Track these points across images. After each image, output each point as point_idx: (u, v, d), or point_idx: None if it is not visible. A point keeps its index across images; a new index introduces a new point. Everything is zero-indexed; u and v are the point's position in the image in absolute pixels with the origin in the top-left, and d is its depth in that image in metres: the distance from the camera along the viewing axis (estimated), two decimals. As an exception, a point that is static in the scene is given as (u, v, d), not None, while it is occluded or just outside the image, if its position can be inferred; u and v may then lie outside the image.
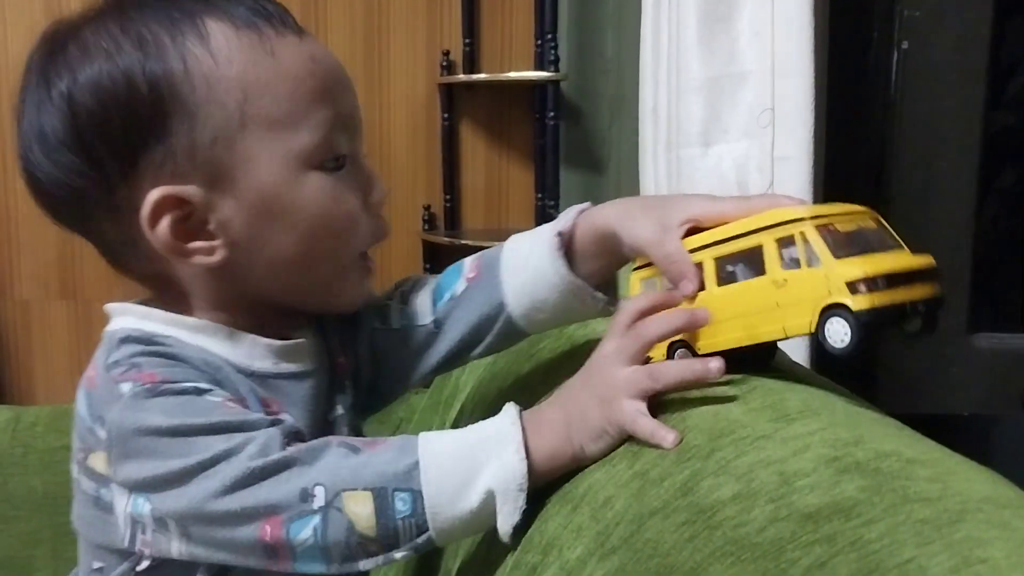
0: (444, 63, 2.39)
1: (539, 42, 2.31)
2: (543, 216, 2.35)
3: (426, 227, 2.42)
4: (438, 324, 0.79)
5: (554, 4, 2.23)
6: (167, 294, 0.71)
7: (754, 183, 1.15)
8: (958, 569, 0.38)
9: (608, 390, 0.61)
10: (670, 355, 0.66)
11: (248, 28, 0.66)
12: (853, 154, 1.30)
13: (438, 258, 2.43)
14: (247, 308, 0.72)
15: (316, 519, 0.59)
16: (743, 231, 0.62)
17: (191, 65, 0.64)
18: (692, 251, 0.65)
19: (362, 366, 0.81)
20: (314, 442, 0.62)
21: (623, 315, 0.65)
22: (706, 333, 0.64)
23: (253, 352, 0.71)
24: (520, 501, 0.60)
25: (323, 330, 0.78)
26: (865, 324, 0.55)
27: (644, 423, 0.60)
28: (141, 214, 0.65)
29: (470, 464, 0.61)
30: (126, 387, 0.62)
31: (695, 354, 0.65)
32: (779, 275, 0.59)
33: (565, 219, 0.74)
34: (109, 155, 0.65)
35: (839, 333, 0.56)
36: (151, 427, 0.61)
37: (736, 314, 0.62)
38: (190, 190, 0.65)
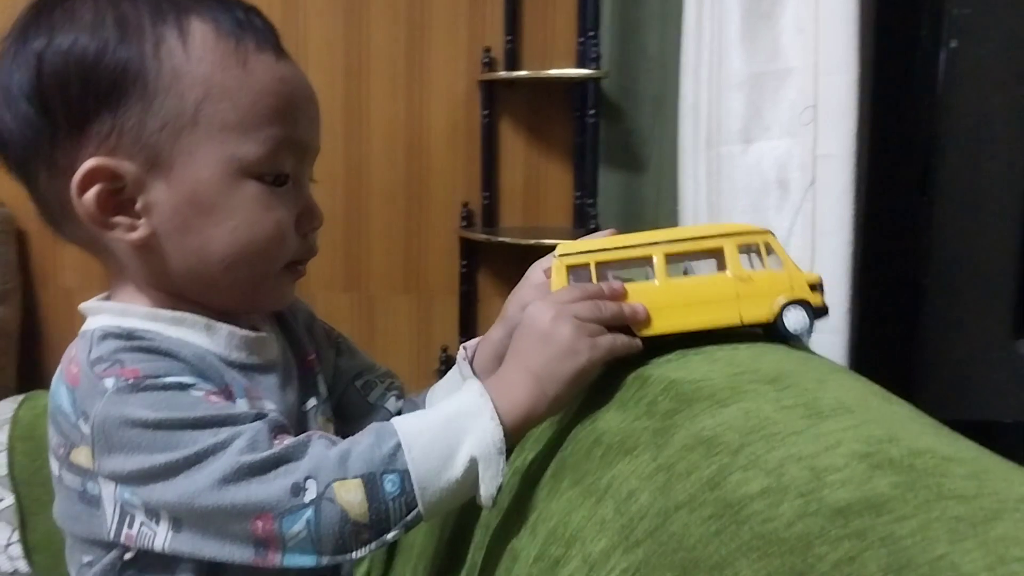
0: (485, 60, 2.39)
1: (581, 39, 2.30)
2: (581, 215, 2.34)
3: (464, 224, 2.42)
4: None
5: (596, 1, 2.22)
6: (109, 265, 0.73)
7: (795, 181, 1.13)
8: (992, 567, 0.36)
9: (569, 342, 0.68)
10: None
11: (228, 36, 0.69)
12: (898, 153, 1.28)
13: (475, 255, 2.43)
14: (186, 297, 0.73)
15: (309, 511, 0.60)
16: (700, 235, 0.75)
17: (163, 54, 0.67)
18: (636, 245, 0.75)
19: (326, 372, 0.87)
20: (299, 437, 0.63)
21: (565, 292, 0.73)
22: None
23: (231, 343, 0.72)
24: (501, 464, 0.64)
25: (285, 327, 0.83)
26: (817, 315, 0.73)
27: (616, 342, 0.71)
28: (73, 178, 0.67)
29: (450, 437, 0.64)
30: (109, 382, 0.63)
31: (632, 334, 0.73)
32: (742, 273, 0.73)
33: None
34: (62, 114, 0.67)
35: (799, 320, 0.72)
36: (136, 419, 0.61)
37: (687, 303, 0.73)
38: (126, 166, 0.67)
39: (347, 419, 0.87)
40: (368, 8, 2.39)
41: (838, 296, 1.11)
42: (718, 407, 0.60)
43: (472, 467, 0.64)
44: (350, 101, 2.41)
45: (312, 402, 0.80)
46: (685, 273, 0.80)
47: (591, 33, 2.21)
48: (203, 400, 0.64)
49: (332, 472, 0.61)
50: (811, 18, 1.10)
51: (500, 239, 2.25)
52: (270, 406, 0.71)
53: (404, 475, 0.62)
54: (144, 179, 0.68)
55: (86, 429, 0.64)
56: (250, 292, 0.74)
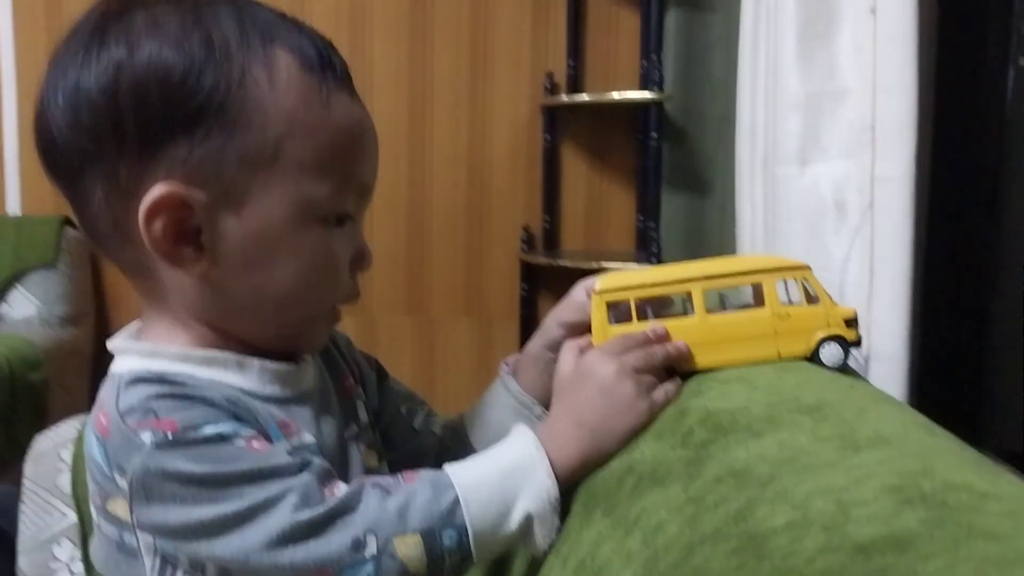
0: (547, 85, 2.39)
1: (644, 63, 2.29)
2: (643, 238, 2.32)
3: (524, 248, 2.41)
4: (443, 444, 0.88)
5: (660, 24, 2.20)
6: (149, 292, 0.70)
7: (853, 204, 1.10)
8: (1018, 614, 0.34)
9: (630, 399, 0.70)
10: None
11: (311, 70, 0.66)
12: (962, 175, 1.23)
13: (536, 279, 2.43)
14: (229, 332, 0.71)
15: (369, 567, 0.60)
16: (738, 270, 0.76)
17: (248, 83, 0.64)
18: (674, 281, 0.76)
19: (370, 399, 0.86)
20: (351, 487, 0.63)
21: (619, 343, 0.73)
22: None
23: (263, 378, 0.70)
24: (556, 520, 0.65)
25: (324, 353, 0.81)
26: (852, 350, 0.74)
27: (669, 393, 0.72)
28: (142, 201, 0.63)
29: (506, 493, 0.64)
30: (146, 436, 0.61)
31: (672, 370, 0.74)
32: (780, 309, 0.74)
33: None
34: (135, 131, 0.63)
35: (834, 355, 0.73)
36: (180, 474, 0.60)
37: (726, 339, 0.74)
38: (197, 195, 0.64)
39: (393, 446, 0.86)
40: (432, 35, 2.42)
41: (897, 323, 1.08)
42: (753, 438, 0.59)
43: (527, 523, 0.65)
44: (413, 126, 2.43)
45: (353, 429, 0.79)
46: (723, 300, 0.79)
47: (654, 56, 2.19)
48: (246, 450, 0.62)
49: (392, 527, 0.61)
50: (868, 36, 1.07)
51: (561, 263, 2.24)
52: (308, 438, 0.69)
53: (462, 531, 0.62)
54: (214, 211, 0.64)
55: (123, 483, 0.62)
56: (294, 333, 0.73)
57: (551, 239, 2.43)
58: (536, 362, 0.84)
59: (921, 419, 0.63)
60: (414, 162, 2.43)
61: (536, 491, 0.65)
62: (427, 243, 2.47)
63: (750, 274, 0.76)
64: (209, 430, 0.62)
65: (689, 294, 0.75)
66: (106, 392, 0.67)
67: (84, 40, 0.65)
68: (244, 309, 0.69)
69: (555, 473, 0.66)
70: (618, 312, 0.77)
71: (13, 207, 2.49)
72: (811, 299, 0.75)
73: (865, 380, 0.76)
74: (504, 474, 0.65)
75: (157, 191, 0.63)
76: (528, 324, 2.43)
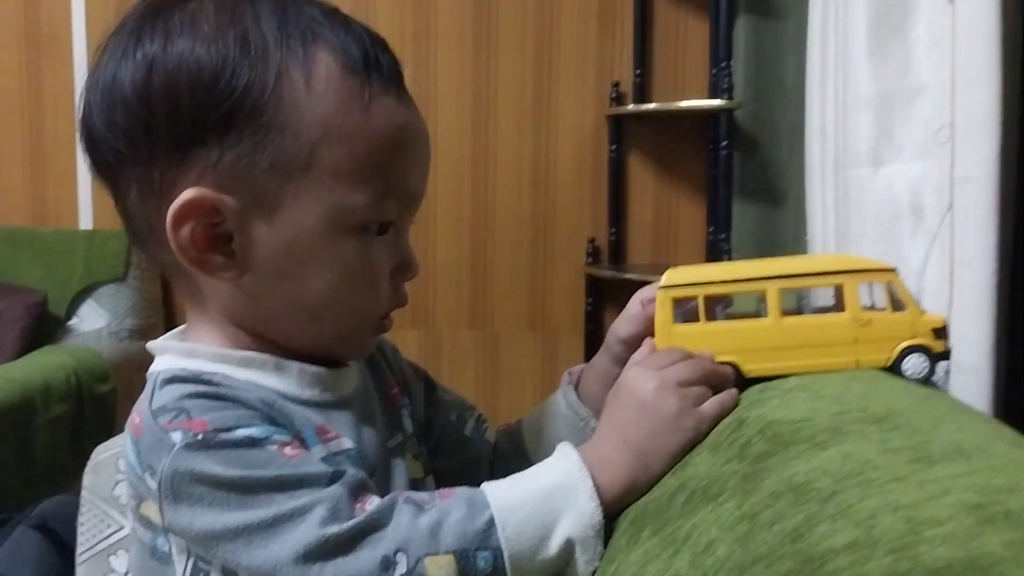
0: (613, 94, 2.35)
1: (713, 70, 2.23)
2: (714, 250, 2.25)
3: (590, 261, 2.37)
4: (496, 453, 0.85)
5: (729, 31, 2.15)
6: (189, 295, 0.69)
7: (931, 207, 1.03)
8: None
9: (674, 415, 0.65)
10: None
11: (354, 73, 0.63)
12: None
13: (601, 292, 2.38)
14: (265, 337, 0.68)
15: None
16: (819, 270, 0.71)
17: (284, 86, 0.61)
18: (749, 279, 0.71)
19: (416, 410, 0.82)
20: (383, 502, 0.59)
21: (661, 356, 0.69)
22: (757, 358, 0.70)
23: (302, 381, 0.68)
24: (599, 548, 0.60)
25: (369, 359, 0.78)
26: (938, 362, 0.70)
27: (723, 405, 0.66)
28: (171, 206, 0.62)
29: (546, 516, 0.60)
30: (176, 436, 0.59)
31: (739, 374, 0.70)
32: (862, 315, 0.69)
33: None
34: (167, 131, 0.61)
35: (918, 366, 0.69)
36: (207, 476, 0.58)
37: (801, 344, 0.69)
38: (228, 201, 0.62)
39: (445, 455, 0.83)
40: (496, 45, 2.40)
41: (980, 333, 1.00)
42: (816, 450, 0.54)
43: (567, 548, 0.60)
44: (477, 138, 2.41)
45: (398, 438, 0.76)
46: (800, 301, 0.74)
47: (724, 63, 2.13)
48: (277, 455, 0.59)
49: (423, 546, 0.57)
50: (947, 28, 1.01)
51: (627, 276, 2.19)
52: (347, 444, 0.67)
53: (497, 553, 0.58)
54: (245, 217, 0.63)
55: (152, 484, 0.60)
56: (333, 343, 0.70)
57: (617, 252, 2.38)
58: (600, 377, 0.80)
59: (1007, 431, 0.57)
60: (478, 174, 2.41)
61: (578, 515, 0.60)
62: (491, 256, 2.44)
63: (831, 275, 0.71)
64: (241, 433, 0.60)
65: (764, 294, 0.70)
66: (143, 393, 0.65)
67: (124, 37, 0.64)
68: (278, 317, 0.67)
69: (600, 496, 0.61)
70: (684, 311, 0.72)
71: (86, 222, 2.53)
72: (897, 305, 0.70)
73: (945, 393, 0.70)
74: (544, 496, 0.61)
75: (186, 196, 0.61)
76: (593, 339, 2.38)
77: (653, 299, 0.73)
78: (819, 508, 0.46)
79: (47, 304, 2.28)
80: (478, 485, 0.76)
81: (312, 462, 0.61)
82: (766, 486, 0.52)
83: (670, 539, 0.56)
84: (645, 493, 0.64)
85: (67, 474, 1.92)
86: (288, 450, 0.60)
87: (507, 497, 0.60)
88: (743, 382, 0.70)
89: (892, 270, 0.71)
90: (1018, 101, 1.08)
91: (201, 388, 0.62)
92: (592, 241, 2.37)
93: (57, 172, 2.55)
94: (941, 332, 0.71)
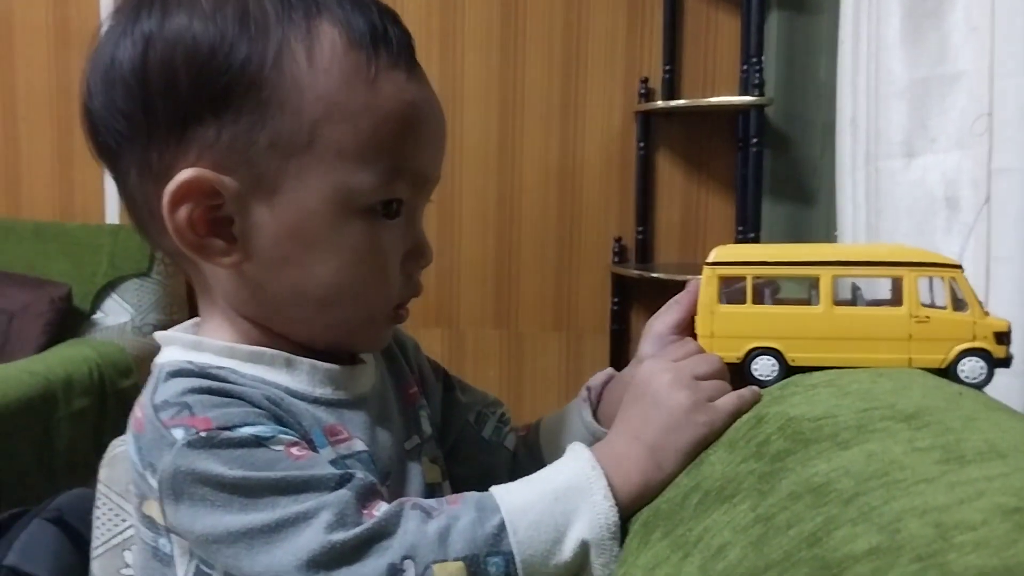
0: (642, 91, 2.31)
1: (744, 67, 2.19)
2: (742, 250, 2.21)
3: (616, 260, 2.33)
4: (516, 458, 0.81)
5: (760, 26, 2.10)
6: (197, 283, 0.66)
7: (966, 199, 0.99)
8: None
9: (686, 410, 0.61)
10: (749, 359, 0.67)
11: (359, 47, 0.60)
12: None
13: (627, 292, 2.34)
14: (274, 329, 0.66)
15: None
16: (878, 259, 0.67)
17: (285, 61, 0.58)
18: (802, 263, 0.67)
19: (434, 412, 0.79)
20: (389, 508, 0.56)
21: (678, 347, 0.66)
22: (802, 347, 0.66)
23: (313, 378, 0.65)
24: (615, 550, 0.57)
25: (388, 356, 0.75)
26: (997, 368, 0.65)
27: (740, 401, 0.62)
28: (167, 187, 0.59)
29: (559, 518, 0.56)
30: (178, 433, 0.56)
31: (783, 362, 0.66)
32: (920, 311, 0.65)
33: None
34: (164, 110, 0.59)
35: (975, 370, 0.64)
36: (209, 476, 0.55)
37: (851, 336, 0.65)
38: (227, 182, 0.59)
39: (461, 457, 0.80)
40: (524, 41, 2.37)
41: (1018, 332, 0.96)
42: (838, 449, 0.50)
43: (582, 551, 0.56)
44: (503, 135, 2.38)
45: (415, 440, 0.72)
46: (855, 292, 0.70)
47: (755, 59, 2.09)
48: (283, 456, 0.56)
49: (431, 553, 0.54)
50: (986, 13, 0.97)
51: (654, 275, 2.15)
52: (359, 446, 0.64)
53: (509, 558, 0.55)
54: (246, 200, 0.60)
55: (154, 482, 0.57)
56: (344, 334, 0.67)
57: (644, 251, 2.34)
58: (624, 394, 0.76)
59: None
60: (503, 172, 2.38)
61: (593, 516, 0.57)
62: (516, 255, 2.41)
63: (891, 266, 0.66)
64: (246, 431, 0.56)
65: (816, 279, 0.66)
66: (147, 385, 0.63)
67: (123, 17, 0.62)
68: (283, 307, 0.64)
69: (615, 496, 0.58)
70: (731, 290, 0.69)
71: (112, 216, 2.54)
72: (959, 305, 0.66)
73: (980, 391, 0.66)
74: (556, 496, 0.57)
75: (182, 176, 0.59)
76: (619, 339, 2.34)
77: (698, 282, 0.69)
78: (840, 511, 0.43)
79: (71, 298, 2.28)
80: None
81: (320, 464, 0.58)
82: (783, 487, 0.49)
83: (680, 542, 0.52)
84: (660, 492, 0.60)
85: (88, 468, 1.91)
86: (295, 450, 0.57)
87: (518, 499, 0.57)
88: (787, 371, 0.66)
89: (957, 266, 0.67)
90: (1061, 89, 1.04)
91: (206, 383, 0.59)
92: (619, 240, 2.33)
93: (84, 167, 2.56)
94: (1004, 337, 0.66)
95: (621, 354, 2.33)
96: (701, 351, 0.66)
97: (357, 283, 0.63)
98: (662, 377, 0.62)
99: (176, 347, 0.65)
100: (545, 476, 0.60)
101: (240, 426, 0.57)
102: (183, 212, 0.60)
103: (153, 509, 0.60)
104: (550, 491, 0.57)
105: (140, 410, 0.60)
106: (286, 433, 0.58)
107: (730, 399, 0.62)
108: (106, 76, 0.61)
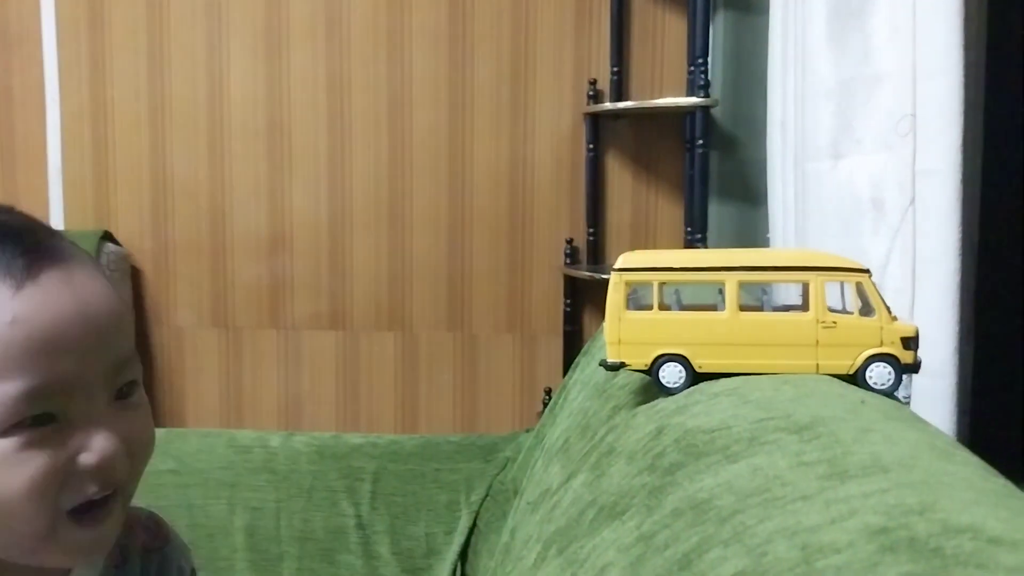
0: (590, 92, 2.30)
1: (690, 68, 2.18)
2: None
3: (568, 261, 2.32)
4: None
5: (706, 27, 2.09)
6: None
7: (892, 201, 0.99)
8: None
9: None
10: (656, 366, 0.66)
11: None
12: (1017, 169, 1.10)
13: (580, 294, 2.33)
14: None
15: None
16: (784, 264, 0.67)
17: None
18: (708, 268, 0.66)
19: None
20: None
21: None
22: (709, 353, 0.65)
23: None
24: None
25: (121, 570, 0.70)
26: (905, 374, 0.64)
27: None
28: None
29: None
30: None
31: (691, 369, 0.65)
32: (826, 316, 0.64)
33: None
34: None
35: (883, 376, 0.64)
36: None
37: (758, 342, 0.65)
38: None
39: None
40: (472, 43, 2.35)
41: (943, 333, 0.96)
42: (727, 463, 0.49)
43: None
44: (453, 137, 2.36)
45: None
46: (763, 295, 0.70)
47: (700, 60, 2.08)
48: None
49: None
50: (908, 15, 0.96)
51: (605, 276, 2.13)
52: None
53: None
54: None
55: None
56: (27, 554, 0.62)
57: (595, 252, 2.33)
58: None
59: (942, 442, 0.52)
60: (454, 174, 2.36)
61: None
62: (467, 257, 2.39)
63: (797, 271, 0.66)
64: None
65: (723, 285, 0.66)
66: None
67: None
68: None
69: None
70: (638, 297, 0.68)
71: (56, 221, 2.49)
72: (866, 309, 0.65)
73: (891, 397, 0.65)
74: None
75: None
76: (572, 340, 2.33)
77: None
78: (715, 530, 0.41)
79: None
80: None
81: None
82: (669, 503, 0.47)
83: (571, 559, 0.51)
84: None
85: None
86: None
87: None
88: (695, 378, 0.65)
89: (865, 271, 0.67)
90: (982, 90, 1.03)
91: None
92: (570, 242, 2.32)
93: (27, 171, 2.51)
94: (911, 342, 0.65)
95: (574, 355, 2.32)
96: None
97: (6, 502, 0.59)
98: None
99: None
100: None
101: None
102: None
103: None
104: None
105: None
106: None
107: None
108: None
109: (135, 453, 0.63)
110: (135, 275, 2.46)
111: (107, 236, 2.37)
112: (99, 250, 2.32)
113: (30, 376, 0.58)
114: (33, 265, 0.60)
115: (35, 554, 0.62)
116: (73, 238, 2.27)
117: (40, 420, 0.58)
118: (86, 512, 0.61)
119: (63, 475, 0.60)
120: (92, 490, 0.61)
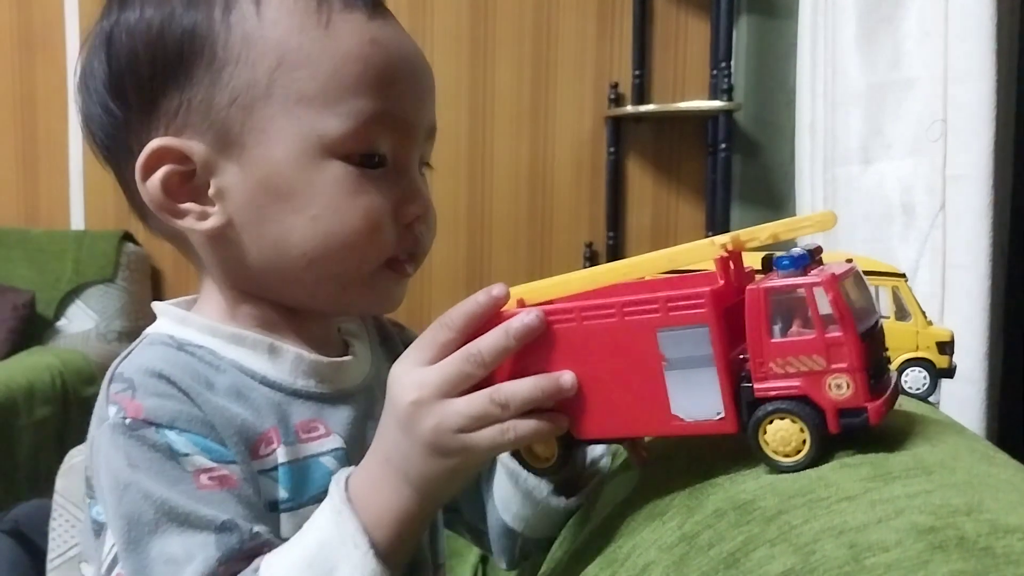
0: (612, 96, 2.30)
1: (713, 71, 2.19)
2: (712, 255, 2.20)
3: (587, 265, 2.32)
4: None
5: (729, 31, 2.10)
6: (192, 261, 0.65)
7: (922, 206, 0.99)
8: None
9: (431, 439, 0.52)
10: None
11: None
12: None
13: (599, 297, 2.33)
14: (268, 303, 0.64)
15: None
16: None
17: (233, 18, 0.59)
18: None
19: None
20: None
21: (430, 340, 0.55)
22: None
23: (296, 369, 0.62)
24: None
25: (391, 349, 0.71)
26: (940, 378, 0.65)
27: (504, 436, 0.52)
28: (136, 161, 0.59)
29: None
30: (112, 410, 0.56)
31: None
32: None
33: None
34: (134, 95, 0.60)
35: (918, 381, 0.64)
36: (113, 465, 0.54)
37: None
38: (195, 146, 0.59)
39: None
40: (494, 46, 2.36)
41: (974, 339, 0.95)
42: (767, 465, 0.49)
43: None
44: (474, 140, 2.37)
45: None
46: None
47: (724, 64, 2.08)
48: (185, 479, 0.54)
49: None
50: (939, 19, 0.96)
51: (624, 280, 2.14)
52: (334, 443, 0.61)
53: None
54: (215, 161, 0.59)
55: (86, 448, 0.58)
56: (340, 292, 0.63)
57: (615, 256, 2.34)
58: None
59: (982, 446, 0.52)
60: (474, 177, 2.37)
61: (351, 569, 0.52)
62: (487, 260, 2.40)
63: None
64: (167, 436, 0.54)
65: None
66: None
67: (96, 25, 0.64)
68: (270, 267, 0.61)
69: (370, 538, 0.52)
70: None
71: (77, 222, 2.51)
72: (902, 314, 0.65)
73: (926, 401, 0.65)
74: (312, 560, 0.53)
75: (149, 146, 0.59)
76: (591, 344, 2.33)
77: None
78: (760, 530, 0.42)
79: (35, 305, 2.25)
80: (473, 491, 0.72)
81: (216, 503, 0.55)
82: (710, 504, 0.47)
83: (611, 558, 0.51)
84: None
85: (50, 478, 1.89)
86: (204, 478, 0.55)
87: (279, 569, 0.53)
88: None
89: (901, 275, 0.67)
90: (1014, 95, 1.03)
91: (166, 369, 0.57)
92: (590, 245, 2.33)
93: (49, 173, 2.53)
94: (947, 347, 0.65)
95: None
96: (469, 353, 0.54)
97: (339, 232, 0.60)
98: (405, 394, 0.53)
99: (165, 319, 0.64)
100: (306, 529, 0.56)
101: (166, 427, 0.55)
102: (155, 180, 0.59)
103: (91, 472, 0.59)
104: (306, 553, 0.54)
105: (108, 373, 0.60)
106: (209, 454, 0.56)
107: (490, 434, 0.52)
108: (86, 82, 0.63)
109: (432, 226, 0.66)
110: (155, 275, 2.47)
111: (127, 237, 2.38)
112: (119, 251, 2.34)
113: (383, 99, 0.60)
114: (379, 4, 0.63)
115: (346, 294, 0.63)
116: (92, 239, 2.31)
117: (371, 162, 0.60)
118: (398, 265, 0.63)
119: (393, 216, 0.62)
120: (415, 239, 0.64)
